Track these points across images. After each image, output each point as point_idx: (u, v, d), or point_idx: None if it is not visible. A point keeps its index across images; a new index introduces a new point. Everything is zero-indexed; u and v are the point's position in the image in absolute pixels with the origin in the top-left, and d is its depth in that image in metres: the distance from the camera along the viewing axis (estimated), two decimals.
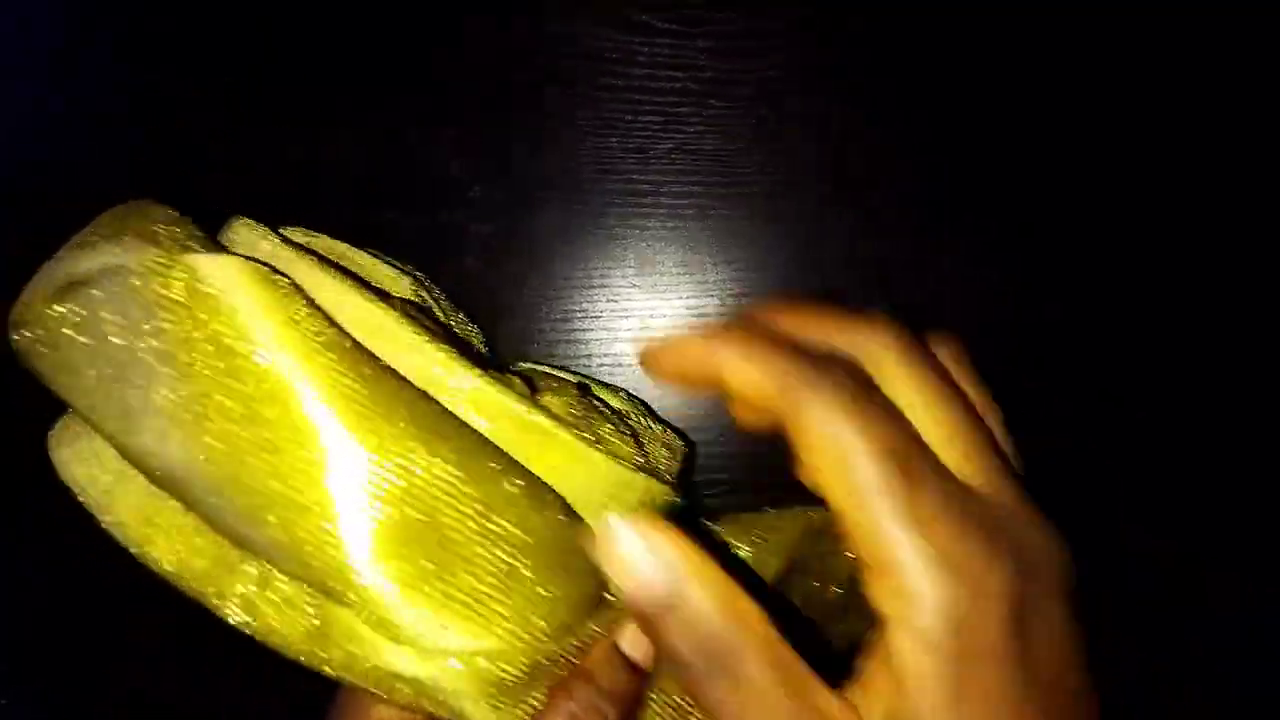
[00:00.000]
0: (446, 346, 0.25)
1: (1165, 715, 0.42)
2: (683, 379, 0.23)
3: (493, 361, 0.31)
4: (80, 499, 0.25)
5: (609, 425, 0.29)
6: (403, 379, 0.23)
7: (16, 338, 0.25)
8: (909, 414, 0.22)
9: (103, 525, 0.25)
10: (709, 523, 0.29)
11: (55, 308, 0.23)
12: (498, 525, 0.23)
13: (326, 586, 0.22)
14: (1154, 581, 0.42)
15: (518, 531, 0.23)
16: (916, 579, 0.19)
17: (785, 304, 0.24)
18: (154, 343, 0.21)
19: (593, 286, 0.44)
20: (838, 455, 0.20)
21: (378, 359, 0.23)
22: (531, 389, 0.28)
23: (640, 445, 0.29)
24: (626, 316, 0.44)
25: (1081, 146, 0.44)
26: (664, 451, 0.30)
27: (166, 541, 0.25)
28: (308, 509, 0.21)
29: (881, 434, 0.20)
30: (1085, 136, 0.44)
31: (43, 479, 0.28)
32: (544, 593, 0.24)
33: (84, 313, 0.22)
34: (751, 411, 0.23)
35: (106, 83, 0.45)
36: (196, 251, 0.22)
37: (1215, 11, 0.43)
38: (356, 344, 0.23)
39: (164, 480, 0.23)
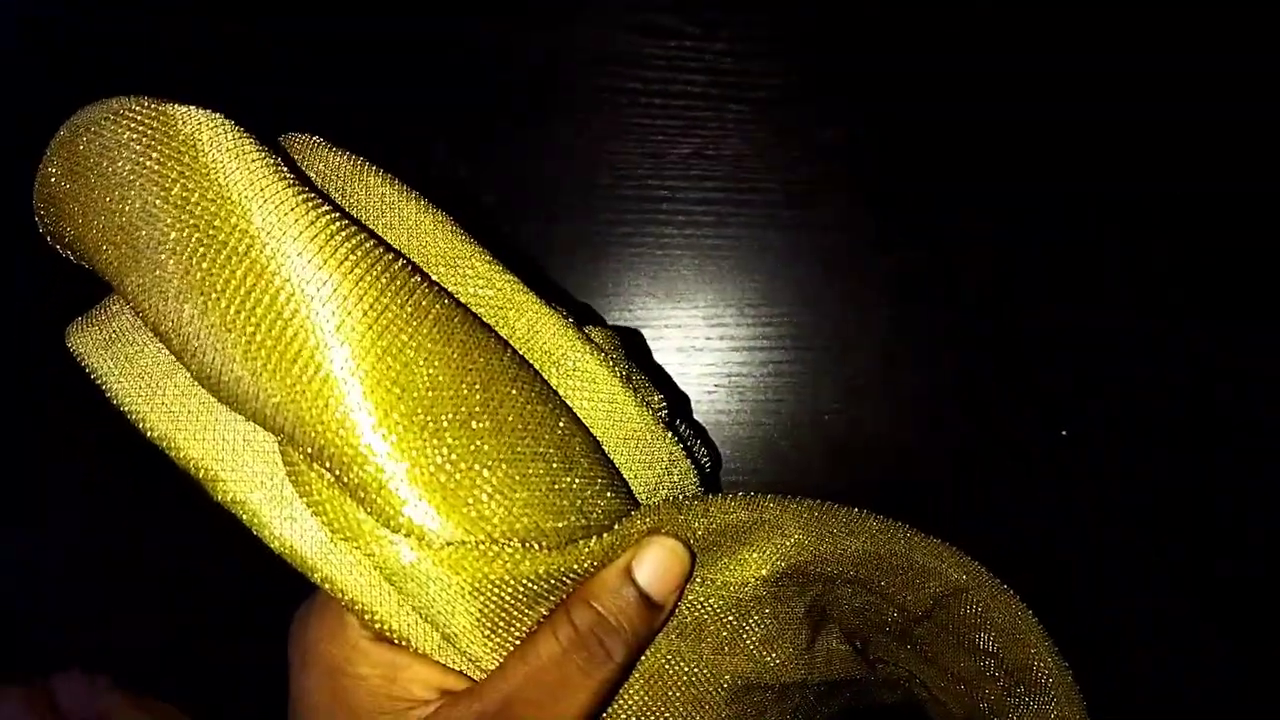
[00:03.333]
0: (487, 253, 0.25)
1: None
2: None
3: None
4: (98, 382, 0.24)
5: (635, 372, 0.28)
6: (409, 262, 0.22)
7: (38, 207, 0.25)
8: None
9: (118, 407, 0.24)
10: (777, 499, 0.27)
11: (51, 165, 0.23)
12: (514, 422, 0.22)
13: (331, 458, 0.20)
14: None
15: (534, 433, 0.22)
16: None
17: None
18: (142, 193, 0.21)
19: (607, 294, 0.44)
20: None
21: (372, 231, 0.22)
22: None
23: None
24: (642, 325, 0.44)
25: (1098, 150, 0.44)
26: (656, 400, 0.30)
27: (173, 419, 0.23)
28: (307, 381, 0.20)
29: None
30: (1102, 140, 0.44)
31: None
32: (552, 502, 0.22)
33: (76, 163, 0.22)
34: None
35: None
36: (169, 104, 0.22)
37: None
38: (349, 217, 0.22)
39: (180, 351, 0.22)
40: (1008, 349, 0.43)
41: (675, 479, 0.28)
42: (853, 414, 0.43)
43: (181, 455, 0.23)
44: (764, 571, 0.25)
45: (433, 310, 0.21)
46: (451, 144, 0.44)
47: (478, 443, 0.21)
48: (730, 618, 0.26)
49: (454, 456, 0.21)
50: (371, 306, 0.20)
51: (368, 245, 0.21)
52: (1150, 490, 0.43)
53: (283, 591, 0.45)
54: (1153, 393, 0.43)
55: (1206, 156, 0.43)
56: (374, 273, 0.20)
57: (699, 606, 0.25)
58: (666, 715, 0.25)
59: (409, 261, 0.22)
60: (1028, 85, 0.43)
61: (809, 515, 0.26)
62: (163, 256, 0.20)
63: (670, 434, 0.27)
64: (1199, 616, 0.42)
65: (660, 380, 0.43)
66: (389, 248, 0.22)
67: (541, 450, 0.22)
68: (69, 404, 0.46)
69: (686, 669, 0.26)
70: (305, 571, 0.23)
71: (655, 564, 0.23)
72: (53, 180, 0.23)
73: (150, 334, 0.24)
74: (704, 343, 0.44)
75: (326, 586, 0.22)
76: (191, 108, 0.21)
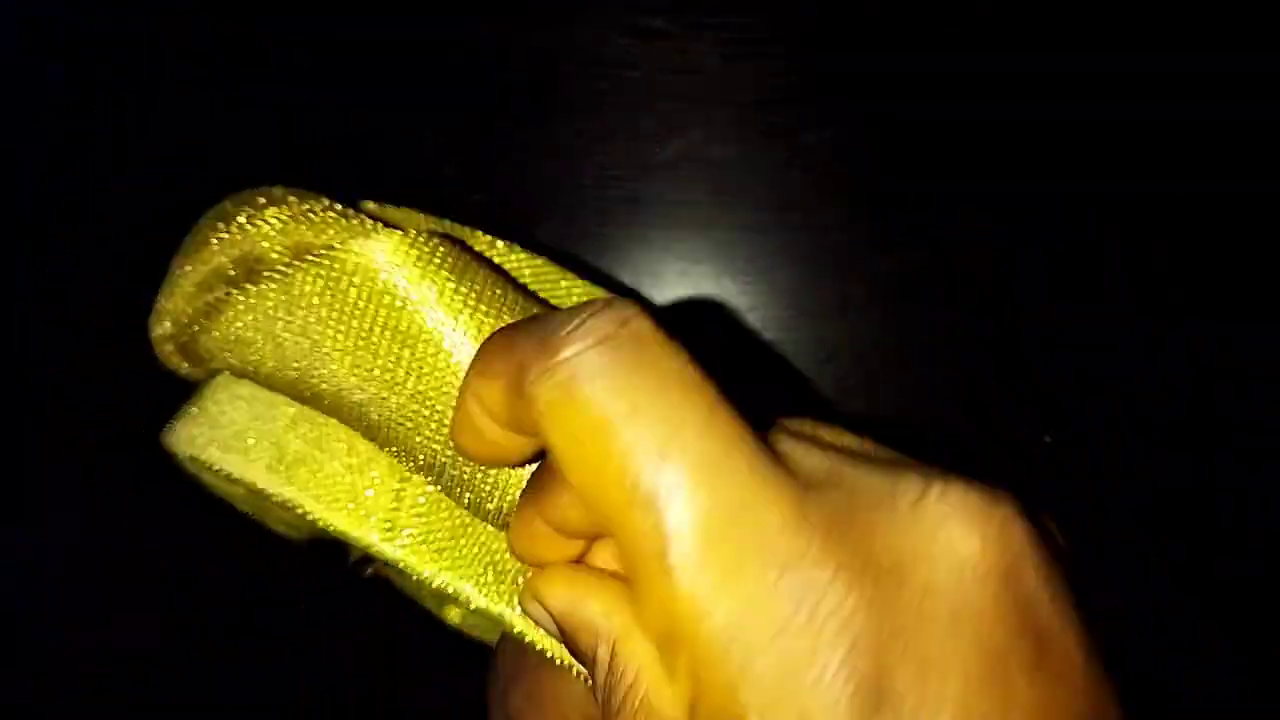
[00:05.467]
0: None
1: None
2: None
3: None
4: (223, 473, 0.24)
5: None
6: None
7: (169, 349, 0.25)
8: None
9: (277, 499, 0.24)
10: None
11: (214, 319, 0.23)
12: None
13: (477, 489, 0.21)
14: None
15: None
16: None
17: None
18: (315, 332, 0.21)
19: None
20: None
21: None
22: None
23: None
24: None
25: (1098, 150, 0.43)
26: None
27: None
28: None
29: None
30: (1102, 140, 0.43)
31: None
32: None
33: (246, 308, 0.22)
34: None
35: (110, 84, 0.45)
36: (348, 234, 0.22)
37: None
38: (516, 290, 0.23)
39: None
40: (1008, 349, 0.43)
41: None
42: (840, 416, 0.43)
43: (436, 582, 0.23)
44: None
45: None
46: (439, 144, 0.44)
47: None
48: None
49: None
50: None
51: None
52: (1150, 490, 0.43)
53: (283, 591, 0.45)
54: (1153, 392, 0.43)
55: (1206, 156, 0.43)
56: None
57: None
58: None
59: None
60: (1026, 85, 0.43)
61: None
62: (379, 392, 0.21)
63: None
64: (1199, 616, 0.42)
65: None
66: None
67: None
68: (69, 404, 0.46)
69: None
70: (530, 642, 0.23)
71: None
72: (228, 325, 0.23)
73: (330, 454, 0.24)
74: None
75: (553, 658, 0.23)
76: (370, 244, 0.21)
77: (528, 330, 0.16)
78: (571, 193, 0.44)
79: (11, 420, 0.46)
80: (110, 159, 0.44)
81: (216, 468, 0.24)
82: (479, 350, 0.18)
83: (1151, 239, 0.43)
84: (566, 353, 0.15)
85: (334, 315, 0.21)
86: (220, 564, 0.45)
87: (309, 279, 0.21)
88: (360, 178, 0.44)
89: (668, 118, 0.43)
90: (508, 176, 0.44)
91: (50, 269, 0.45)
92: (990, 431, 0.43)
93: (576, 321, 0.15)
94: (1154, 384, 0.43)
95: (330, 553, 0.30)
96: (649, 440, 0.14)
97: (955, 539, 0.14)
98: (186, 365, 0.26)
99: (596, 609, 0.17)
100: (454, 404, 0.19)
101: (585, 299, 0.26)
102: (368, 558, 0.27)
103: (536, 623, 0.20)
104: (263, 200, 0.23)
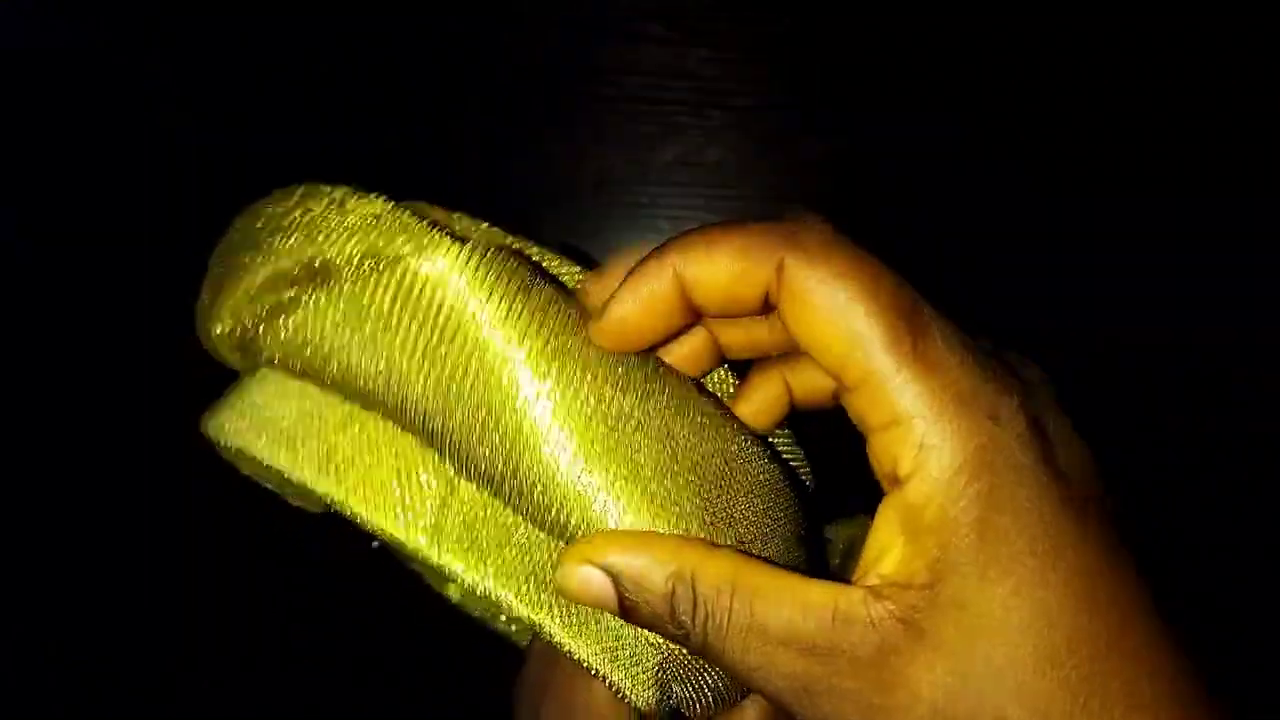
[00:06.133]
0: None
1: None
2: (650, 317, 0.22)
3: None
4: (255, 458, 0.25)
5: None
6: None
7: (227, 347, 0.25)
8: None
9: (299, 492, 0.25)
10: None
11: (280, 321, 0.23)
12: (688, 447, 0.23)
13: (535, 501, 0.22)
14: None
15: (703, 454, 0.23)
16: (932, 424, 0.18)
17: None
18: (384, 339, 0.22)
19: None
20: (833, 306, 0.19)
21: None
22: None
23: None
24: None
25: (1088, 152, 0.44)
26: None
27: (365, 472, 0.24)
28: (520, 437, 0.21)
29: (877, 278, 0.19)
30: (1090, 140, 0.44)
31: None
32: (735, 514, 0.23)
33: (316, 312, 0.22)
34: (726, 303, 0.21)
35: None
36: (417, 245, 0.22)
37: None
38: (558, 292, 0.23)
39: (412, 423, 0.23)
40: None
41: None
42: (834, 415, 0.43)
43: (479, 589, 0.23)
44: None
45: (630, 390, 0.23)
46: (438, 147, 0.44)
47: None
48: None
49: (665, 492, 0.22)
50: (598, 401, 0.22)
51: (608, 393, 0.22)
52: (1150, 489, 0.43)
53: (283, 591, 0.45)
54: (1156, 390, 0.43)
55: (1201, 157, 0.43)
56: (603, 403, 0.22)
57: None
58: None
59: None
60: (1023, 90, 0.43)
61: None
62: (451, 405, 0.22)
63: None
64: (1200, 616, 0.42)
65: None
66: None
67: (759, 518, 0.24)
68: (70, 404, 0.46)
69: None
70: (563, 650, 0.24)
71: None
72: (287, 331, 0.23)
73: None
74: None
75: (589, 668, 0.23)
76: (436, 260, 0.22)
77: (739, 229, 0.21)
78: (571, 195, 0.44)
79: (13, 421, 0.46)
80: (110, 162, 0.45)
81: (266, 464, 0.24)
82: (684, 242, 0.21)
83: (1145, 246, 0.43)
84: (816, 235, 0.20)
85: (404, 325, 0.22)
86: (220, 565, 0.45)
87: (380, 288, 0.22)
88: (358, 181, 0.44)
89: (666, 122, 0.43)
90: (507, 179, 0.44)
91: (53, 268, 0.45)
92: None
93: (793, 222, 0.20)
94: (1158, 382, 0.43)
95: (346, 533, 0.30)
96: (907, 298, 0.19)
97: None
98: (239, 359, 0.26)
99: (659, 554, 0.20)
100: (515, 419, 0.21)
101: None
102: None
103: (581, 595, 0.20)
104: (327, 201, 0.24)
